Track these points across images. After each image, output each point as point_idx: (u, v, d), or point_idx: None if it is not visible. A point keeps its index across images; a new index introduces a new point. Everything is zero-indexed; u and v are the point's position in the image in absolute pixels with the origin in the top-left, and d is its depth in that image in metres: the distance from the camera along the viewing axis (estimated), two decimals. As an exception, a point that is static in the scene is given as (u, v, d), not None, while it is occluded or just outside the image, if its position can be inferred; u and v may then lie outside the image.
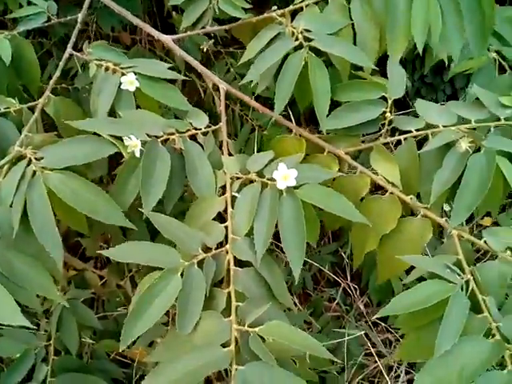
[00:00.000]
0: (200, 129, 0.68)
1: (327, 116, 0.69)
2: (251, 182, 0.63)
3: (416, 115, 0.70)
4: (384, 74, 0.73)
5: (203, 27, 0.82)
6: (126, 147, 0.60)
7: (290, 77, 0.68)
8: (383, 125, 0.70)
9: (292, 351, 0.52)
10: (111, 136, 0.60)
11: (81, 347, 0.88)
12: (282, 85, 0.68)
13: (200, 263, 0.55)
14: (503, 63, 0.97)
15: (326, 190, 0.61)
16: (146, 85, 0.69)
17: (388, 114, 0.69)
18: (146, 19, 1.34)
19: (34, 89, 0.83)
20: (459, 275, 0.57)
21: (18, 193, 0.56)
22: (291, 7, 0.77)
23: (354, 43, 0.74)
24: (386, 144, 0.69)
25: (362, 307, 1.47)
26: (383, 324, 1.45)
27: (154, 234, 0.69)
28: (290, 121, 0.75)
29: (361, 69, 0.75)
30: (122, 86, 0.68)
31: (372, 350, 1.33)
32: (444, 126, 0.67)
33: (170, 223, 0.58)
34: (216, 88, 0.76)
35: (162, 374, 0.49)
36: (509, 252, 0.59)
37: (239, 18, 0.79)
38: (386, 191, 0.66)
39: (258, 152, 0.69)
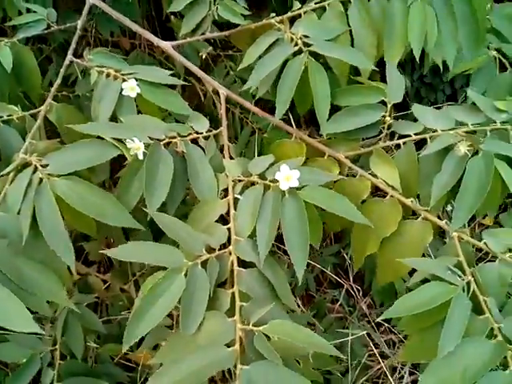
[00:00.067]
0: (201, 133, 0.69)
1: (327, 120, 0.69)
2: (252, 184, 0.63)
3: (415, 117, 0.71)
4: (383, 76, 0.73)
5: (203, 33, 0.83)
6: (129, 150, 0.61)
7: (290, 81, 0.68)
8: (384, 128, 0.70)
9: (297, 349, 0.51)
10: (114, 139, 0.61)
11: (85, 351, 0.88)
12: (283, 89, 0.69)
13: (203, 264, 0.55)
14: (504, 61, 0.96)
15: (328, 191, 0.62)
16: (147, 90, 0.70)
17: (387, 118, 0.70)
18: (144, 23, 1.34)
19: (34, 96, 0.84)
20: (460, 277, 0.57)
21: (25, 200, 0.57)
22: (290, 14, 0.77)
23: (352, 49, 0.74)
24: (385, 147, 0.70)
25: (365, 308, 1.47)
26: (386, 325, 1.45)
27: (156, 239, 0.70)
28: (290, 124, 0.75)
29: (359, 74, 0.76)
30: (123, 92, 0.69)
31: (375, 351, 1.33)
32: (442, 130, 0.67)
33: (173, 223, 0.58)
34: (216, 91, 0.77)
35: (166, 375, 0.48)
36: (509, 253, 0.59)
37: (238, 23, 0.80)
38: (386, 194, 0.67)
39: (258, 155, 0.69)
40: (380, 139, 0.71)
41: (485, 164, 0.61)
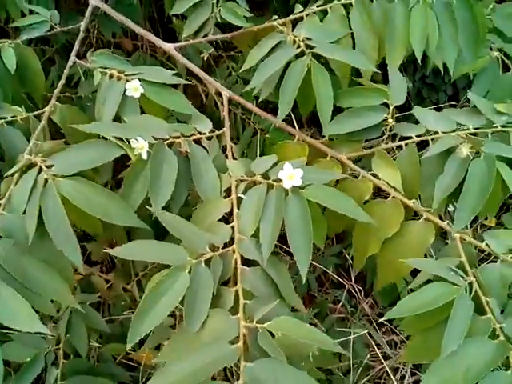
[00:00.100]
0: (204, 133, 0.69)
1: (329, 121, 0.70)
2: (255, 184, 0.63)
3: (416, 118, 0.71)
4: (385, 78, 0.74)
5: (205, 35, 0.83)
6: (133, 149, 0.61)
7: (293, 83, 0.69)
8: (386, 130, 0.71)
9: (301, 346, 0.51)
10: (117, 139, 0.61)
11: (88, 351, 0.88)
12: (286, 91, 0.69)
13: (207, 262, 0.56)
14: (506, 61, 0.95)
15: (330, 189, 0.62)
16: (151, 91, 0.70)
17: (390, 120, 0.70)
18: (146, 25, 1.35)
19: (37, 97, 0.84)
20: (462, 277, 0.57)
21: (31, 201, 0.57)
22: (292, 16, 0.78)
23: (353, 52, 0.75)
24: (387, 149, 0.70)
25: (366, 309, 1.47)
26: (388, 325, 1.45)
27: (159, 239, 0.70)
28: (292, 125, 0.75)
29: (360, 76, 0.76)
30: (126, 93, 0.69)
31: (377, 352, 1.33)
32: (443, 132, 0.68)
33: (177, 222, 0.58)
34: (218, 92, 0.77)
35: (170, 372, 0.48)
36: (510, 254, 0.59)
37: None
38: (388, 195, 0.67)
39: (260, 155, 0.70)
40: (382, 141, 0.71)
41: (487, 166, 0.62)
